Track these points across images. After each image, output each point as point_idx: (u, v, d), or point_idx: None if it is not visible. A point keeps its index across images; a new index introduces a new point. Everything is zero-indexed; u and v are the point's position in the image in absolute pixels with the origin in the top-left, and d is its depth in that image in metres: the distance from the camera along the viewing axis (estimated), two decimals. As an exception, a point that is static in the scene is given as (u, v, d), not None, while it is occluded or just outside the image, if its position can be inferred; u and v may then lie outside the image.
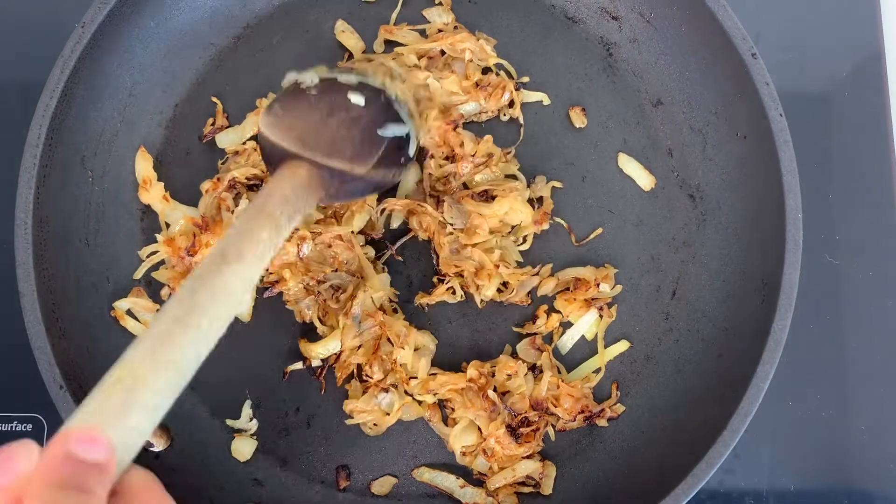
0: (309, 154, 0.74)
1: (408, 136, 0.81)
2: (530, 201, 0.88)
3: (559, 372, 0.87)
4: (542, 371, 0.86)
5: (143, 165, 0.90)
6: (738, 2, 0.96)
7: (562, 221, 0.90)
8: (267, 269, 0.84)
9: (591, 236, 0.90)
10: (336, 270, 0.85)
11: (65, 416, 0.76)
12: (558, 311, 0.88)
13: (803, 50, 1.00)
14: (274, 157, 0.76)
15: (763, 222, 0.83)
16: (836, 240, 0.95)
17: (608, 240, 0.90)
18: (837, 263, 0.94)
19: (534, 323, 0.88)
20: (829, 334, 0.93)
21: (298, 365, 0.86)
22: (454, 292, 0.87)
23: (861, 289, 0.94)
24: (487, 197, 0.87)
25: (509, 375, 0.84)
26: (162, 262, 0.88)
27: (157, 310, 0.87)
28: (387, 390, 0.83)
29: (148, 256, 0.88)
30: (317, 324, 0.85)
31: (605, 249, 0.90)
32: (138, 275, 0.88)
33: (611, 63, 0.94)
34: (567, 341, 0.88)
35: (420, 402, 0.85)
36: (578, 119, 0.92)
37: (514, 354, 0.87)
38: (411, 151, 0.82)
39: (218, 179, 0.87)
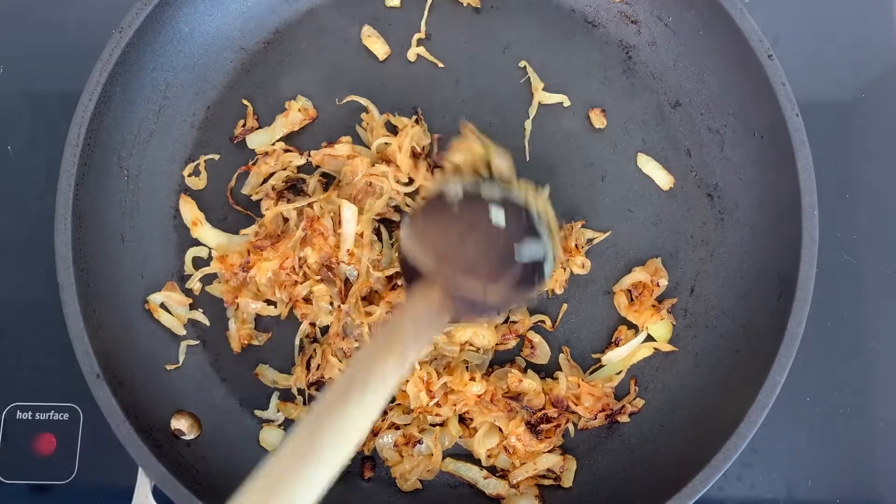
0: (444, 274, 0.73)
1: (545, 256, 0.78)
2: None
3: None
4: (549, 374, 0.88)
5: (188, 208, 0.92)
6: (755, 5, 0.98)
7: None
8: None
9: (598, 239, 0.91)
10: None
11: (101, 403, 0.79)
12: (633, 326, 0.89)
13: (821, 53, 1.02)
14: (409, 272, 0.76)
15: (780, 220, 0.84)
16: (854, 238, 0.96)
17: (627, 238, 0.92)
18: (855, 262, 0.95)
19: (617, 345, 0.88)
20: (847, 332, 0.94)
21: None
22: None
23: (878, 287, 0.95)
24: None
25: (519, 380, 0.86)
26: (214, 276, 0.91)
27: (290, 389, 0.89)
28: (420, 441, 0.86)
29: (192, 259, 0.91)
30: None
31: (625, 248, 0.91)
32: (191, 285, 0.90)
33: (630, 66, 0.95)
34: (641, 353, 0.89)
35: (445, 425, 0.86)
36: (598, 120, 0.94)
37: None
38: (547, 273, 0.79)
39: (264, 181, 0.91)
